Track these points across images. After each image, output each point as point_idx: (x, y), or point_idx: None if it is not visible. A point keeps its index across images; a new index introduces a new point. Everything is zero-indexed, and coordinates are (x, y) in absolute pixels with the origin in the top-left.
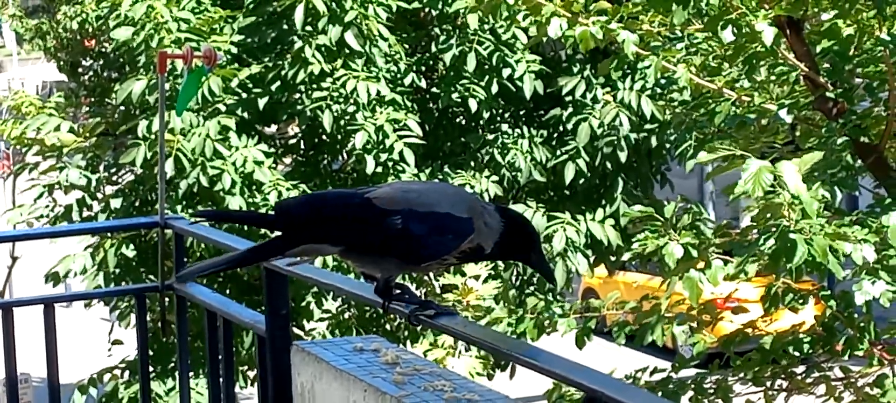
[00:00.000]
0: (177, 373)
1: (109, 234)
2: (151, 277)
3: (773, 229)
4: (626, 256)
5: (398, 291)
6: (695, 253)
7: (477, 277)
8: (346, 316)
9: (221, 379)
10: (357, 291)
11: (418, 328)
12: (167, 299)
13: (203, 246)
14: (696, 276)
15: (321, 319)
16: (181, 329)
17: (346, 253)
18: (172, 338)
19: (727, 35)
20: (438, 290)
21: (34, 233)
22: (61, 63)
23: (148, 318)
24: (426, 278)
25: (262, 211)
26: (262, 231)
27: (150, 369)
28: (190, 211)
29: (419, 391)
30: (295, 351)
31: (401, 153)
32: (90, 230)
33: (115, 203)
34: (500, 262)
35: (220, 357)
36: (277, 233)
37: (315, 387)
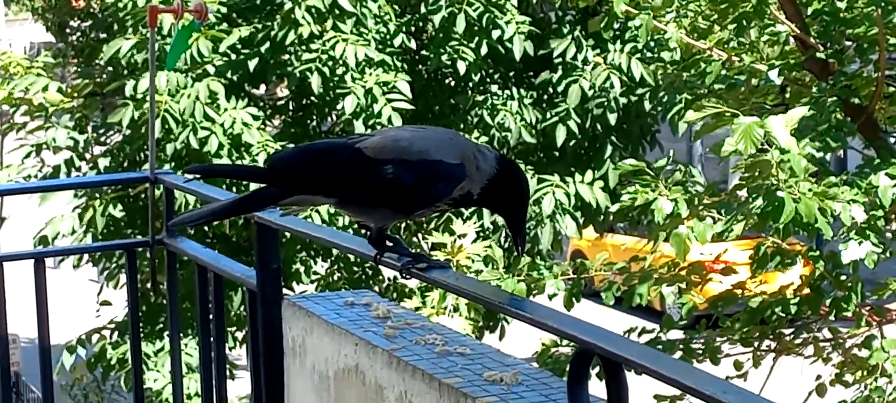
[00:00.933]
0: (166, 334)
1: (97, 194)
2: (139, 236)
3: (762, 188)
4: (614, 208)
5: (391, 244)
6: (684, 209)
7: (464, 235)
8: (336, 277)
9: (212, 337)
10: (348, 244)
11: (408, 280)
12: (157, 259)
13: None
14: (684, 232)
15: (311, 282)
16: (171, 284)
17: (340, 204)
18: (161, 299)
19: None
20: (428, 249)
21: (23, 188)
22: (49, 23)
23: (137, 278)
24: (415, 239)
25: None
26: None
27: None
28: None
29: (410, 344)
30: (286, 305)
31: (389, 118)
32: (80, 184)
33: (103, 163)
34: (487, 223)
35: (210, 313)
36: (266, 186)
37: (306, 341)
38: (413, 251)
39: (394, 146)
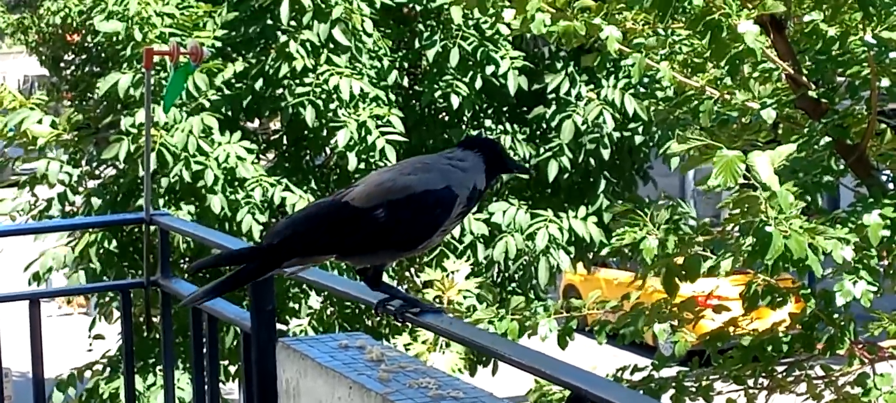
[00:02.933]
0: (158, 369)
1: (90, 229)
2: (133, 272)
3: (750, 225)
4: (604, 251)
5: (386, 289)
6: (671, 247)
7: (456, 271)
8: (329, 312)
9: (206, 375)
10: (346, 290)
11: (402, 324)
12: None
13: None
14: (674, 271)
15: (306, 316)
16: (166, 325)
17: (340, 257)
18: (155, 334)
19: (708, 38)
20: (420, 284)
21: (17, 229)
22: (43, 57)
23: (132, 317)
24: (407, 274)
25: (246, 209)
26: (246, 232)
27: (124, 365)
28: (173, 208)
29: (404, 388)
30: (280, 348)
31: (382, 150)
32: (75, 225)
33: (96, 201)
34: (481, 257)
35: (204, 352)
36: (265, 249)
37: (300, 384)
38: (408, 295)
39: (378, 190)
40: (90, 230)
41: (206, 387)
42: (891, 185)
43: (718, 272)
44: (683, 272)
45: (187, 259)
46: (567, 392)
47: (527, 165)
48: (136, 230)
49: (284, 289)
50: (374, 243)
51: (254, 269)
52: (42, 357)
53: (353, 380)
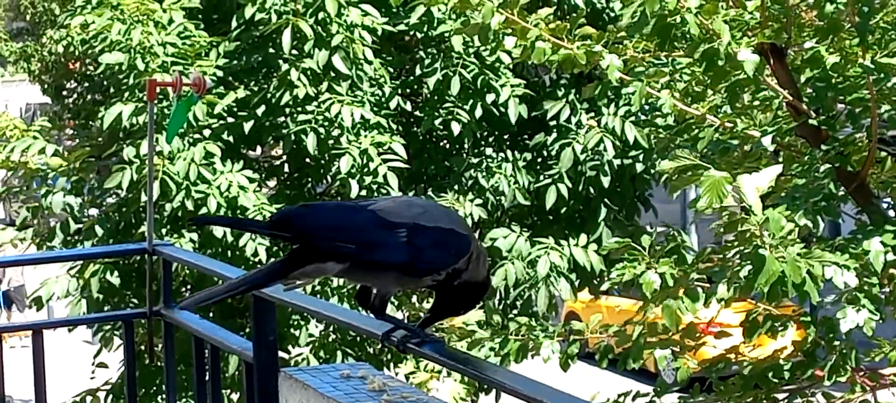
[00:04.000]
0: (160, 398)
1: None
2: (135, 301)
3: (746, 250)
4: (605, 286)
5: (389, 319)
6: (671, 282)
7: None
8: (331, 338)
9: None
10: (350, 321)
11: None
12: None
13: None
14: (674, 305)
15: (306, 344)
16: (168, 354)
17: (348, 270)
18: (157, 363)
19: (707, 66)
20: (423, 313)
21: (21, 259)
22: (45, 86)
23: (134, 348)
24: (409, 301)
25: (248, 235)
26: (250, 257)
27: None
28: (176, 236)
29: None
30: (282, 378)
31: (385, 176)
32: (77, 256)
33: (99, 226)
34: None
35: (207, 381)
36: (276, 260)
37: None
38: (410, 325)
39: (408, 211)
40: (92, 261)
41: None
42: (892, 213)
43: (710, 302)
44: (684, 305)
45: (189, 287)
46: None
47: (529, 193)
48: (137, 260)
49: (285, 316)
50: (384, 259)
51: (260, 277)
52: (45, 387)
53: None
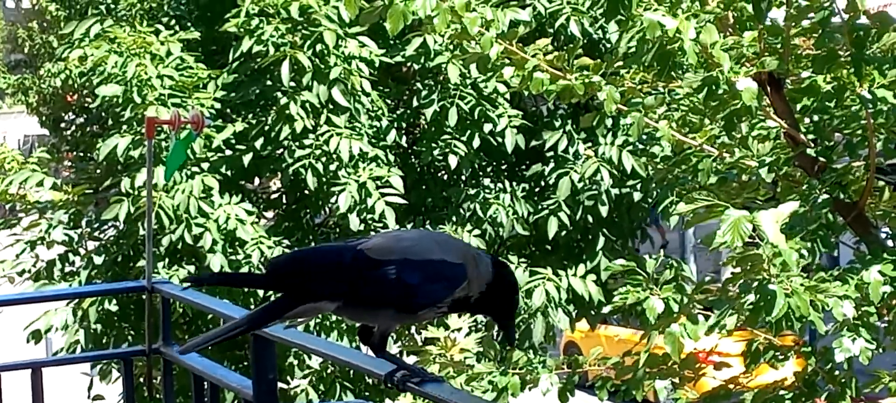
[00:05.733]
0: None
1: None
2: (133, 333)
3: (754, 283)
4: (606, 309)
5: (389, 357)
6: (676, 307)
7: (459, 329)
8: (329, 371)
9: None
10: (350, 360)
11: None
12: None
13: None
14: (678, 331)
15: (304, 376)
16: (167, 392)
17: (343, 309)
18: (152, 399)
19: (708, 95)
20: (421, 343)
21: (20, 298)
22: (43, 118)
23: (133, 385)
24: (407, 333)
25: (246, 270)
26: (248, 291)
27: None
28: (174, 268)
29: None
30: None
31: (382, 213)
32: (76, 294)
33: (97, 259)
34: (481, 317)
35: None
36: (274, 297)
37: None
38: (411, 365)
39: (397, 246)
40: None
41: None
42: (890, 243)
43: (719, 330)
44: (687, 332)
45: (188, 319)
46: None
47: (527, 224)
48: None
49: (284, 347)
50: (378, 298)
51: (258, 318)
52: None
53: None
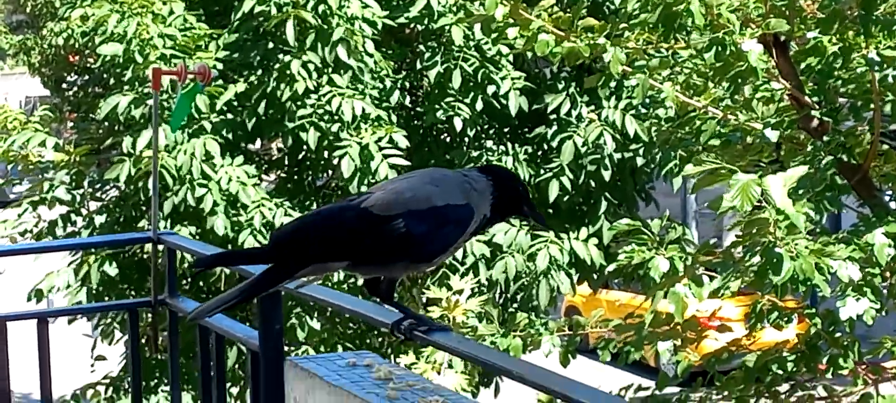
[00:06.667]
0: (160, 390)
1: (94, 251)
2: (133, 293)
3: (759, 246)
4: (611, 267)
5: (396, 306)
6: (681, 267)
7: (461, 291)
8: (331, 332)
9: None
10: (357, 309)
11: (401, 342)
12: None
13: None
14: (682, 291)
15: (307, 339)
16: (173, 343)
17: (354, 266)
18: (158, 355)
19: (712, 56)
20: (423, 304)
21: (23, 248)
22: (45, 78)
23: (139, 337)
24: (409, 294)
25: (248, 232)
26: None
27: (129, 385)
28: (177, 228)
29: None
30: (288, 366)
31: (386, 176)
32: (81, 245)
33: (99, 219)
34: (483, 278)
35: (211, 372)
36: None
37: (308, 402)
38: (417, 313)
39: (399, 199)
40: (93, 253)
41: None
42: (894, 205)
43: (724, 293)
44: (691, 293)
45: (190, 279)
46: None
47: (529, 187)
48: (138, 253)
49: (285, 311)
50: (390, 253)
51: (265, 281)
52: (50, 376)
53: (361, 399)
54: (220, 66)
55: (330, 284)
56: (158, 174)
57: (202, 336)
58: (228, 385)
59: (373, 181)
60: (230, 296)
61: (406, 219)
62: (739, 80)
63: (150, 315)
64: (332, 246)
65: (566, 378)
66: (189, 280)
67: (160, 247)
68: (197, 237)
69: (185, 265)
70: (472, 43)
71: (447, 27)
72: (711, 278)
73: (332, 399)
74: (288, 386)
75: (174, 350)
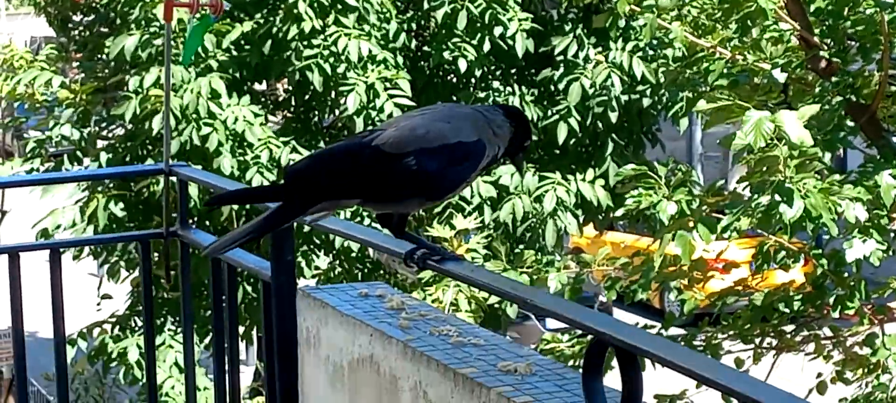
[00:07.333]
0: (165, 329)
1: (100, 189)
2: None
3: (768, 184)
4: (619, 212)
5: (409, 237)
6: (688, 210)
7: (466, 231)
8: (337, 271)
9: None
10: (370, 239)
11: (415, 272)
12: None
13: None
14: (690, 234)
15: (312, 276)
16: (184, 275)
17: (367, 203)
18: (163, 294)
19: None
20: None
21: (35, 179)
22: (51, 18)
23: (151, 269)
24: (415, 233)
25: (254, 170)
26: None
27: (136, 324)
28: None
29: (425, 335)
30: (300, 296)
31: (390, 115)
32: (94, 176)
33: (105, 157)
34: (488, 219)
35: (223, 304)
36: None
37: (321, 332)
38: (430, 243)
39: (411, 136)
40: (99, 189)
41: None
42: None
43: (732, 234)
44: (699, 235)
45: (196, 216)
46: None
47: (536, 128)
48: (144, 192)
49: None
50: (402, 191)
51: (279, 216)
52: (63, 310)
53: (373, 328)
54: (227, 5)
55: (343, 217)
56: (163, 113)
57: (215, 267)
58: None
59: (379, 119)
60: (245, 231)
61: (417, 157)
62: (748, 21)
63: (156, 255)
64: (344, 184)
65: (577, 305)
66: (195, 218)
67: (173, 179)
68: None
69: (191, 204)
70: None
71: None
72: (718, 220)
73: (344, 328)
74: (300, 316)
75: (186, 282)
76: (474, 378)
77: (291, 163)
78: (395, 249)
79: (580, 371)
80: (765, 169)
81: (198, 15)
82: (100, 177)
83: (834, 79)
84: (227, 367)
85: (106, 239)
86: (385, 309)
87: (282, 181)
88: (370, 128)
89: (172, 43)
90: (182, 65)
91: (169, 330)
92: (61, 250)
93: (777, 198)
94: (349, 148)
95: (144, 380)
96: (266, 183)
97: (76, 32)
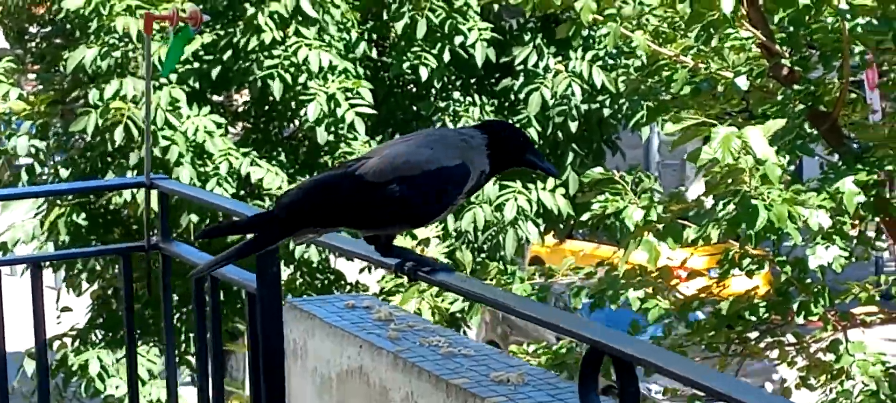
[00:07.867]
0: (136, 341)
1: (59, 201)
2: (100, 245)
3: (733, 195)
4: (585, 216)
5: (397, 252)
6: (655, 217)
7: (427, 240)
8: (298, 283)
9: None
10: (359, 251)
11: (406, 280)
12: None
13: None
14: (655, 240)
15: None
16: (166, 289)
17: (351, 228)
18: (123, 310)
19: (686, 5)
20: None
21: (10, 194)
22: (7, 30)
23: (133, 282)
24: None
25: (214, 181)
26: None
27: (97, 337)
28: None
29: (415, 346)
30: (287, 308)
31: (352, 123)
32: (74, 190)
33: (64, 172)
34: (451, 228)
35: (206, 317)
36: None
37: (307, 344)
38: (420, 255)
39: (393, 165)
40: (58, 202)
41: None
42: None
43: (700, 243)
44: (664, 240)
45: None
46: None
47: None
48: (105, 203)
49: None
50: (385, 218)
51: (266, 239)
52: (44, 324)
53: (362, 339)
54: (206, 17)
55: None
56: (124, 124)
57: (198, 281)
58: None
59: (340, 128)
60: (229, 254)
61: (400, 185)
62: (711, 29)
63: (117, 268)
64: (330, 214)
65: (572, 315)
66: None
67: (154, 192)
68: None
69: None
70: None
71: None
72: (685, 227)
73: (331, 340)
74: (286, 328)
75: (168, 296)
76: (468, 388)
77: (282, 195)
78: (386, 261)
79: (568, 381)
80: (729, 181)
81: (177, 27)
82: (79, 190)
83: (796, 87)
84: (211, 379)
85: (87, 253)
86: (372, 320)
87: (270, 209)
88: (356, 156)
89: (137, 56)
90: (163, 76)
91: (140, 342)
92: (42, 264)
93: (741, 209)
94: (335, 180)
95: (106, 392)
96: (226, 194)
97: (33, 44)
